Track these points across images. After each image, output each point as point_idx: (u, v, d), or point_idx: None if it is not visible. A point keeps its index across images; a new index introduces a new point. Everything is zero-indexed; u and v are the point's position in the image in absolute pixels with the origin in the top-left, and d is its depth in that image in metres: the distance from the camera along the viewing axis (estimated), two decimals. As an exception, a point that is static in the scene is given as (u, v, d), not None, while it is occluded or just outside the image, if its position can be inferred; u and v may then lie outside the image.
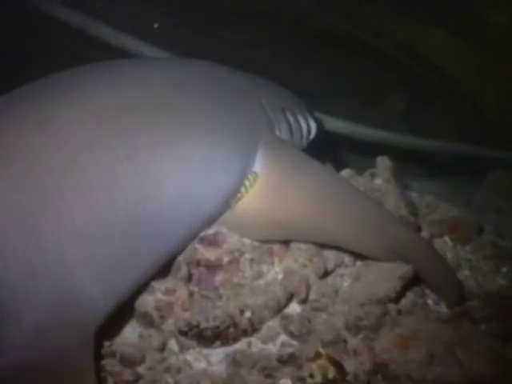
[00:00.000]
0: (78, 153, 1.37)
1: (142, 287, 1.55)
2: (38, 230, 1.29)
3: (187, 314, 1.55)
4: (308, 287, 1.62)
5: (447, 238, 2.00)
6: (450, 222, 2.01)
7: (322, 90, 2.76)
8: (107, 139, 1.42)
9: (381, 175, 1.91)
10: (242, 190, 1.69)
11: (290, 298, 1.60)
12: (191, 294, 1.59)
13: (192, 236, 1.62)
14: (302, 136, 2.00)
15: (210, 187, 1.60)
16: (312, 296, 1.63)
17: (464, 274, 1.91)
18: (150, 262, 1.52)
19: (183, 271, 1.61)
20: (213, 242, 1.64)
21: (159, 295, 1.56)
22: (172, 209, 1.51)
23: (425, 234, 1.93)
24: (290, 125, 1.93)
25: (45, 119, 1.41)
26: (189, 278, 1.62)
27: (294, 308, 1.61)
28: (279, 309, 1.58)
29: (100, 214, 1.36)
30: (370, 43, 2.73)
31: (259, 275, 1.65)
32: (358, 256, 1.73)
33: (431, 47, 2.68)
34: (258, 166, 1.73)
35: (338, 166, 2.05)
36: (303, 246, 1.69)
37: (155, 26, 2.58)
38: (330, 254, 1.73)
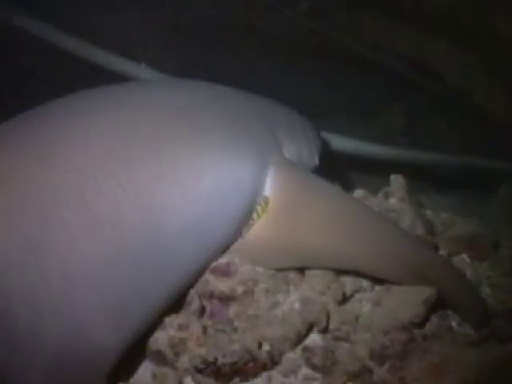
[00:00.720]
0: (82, 186, 1.29)
1: (155, 323, 1.47)
2: (44, 272, 1.22)
3: (202, 350, 1.46)
4: (328, 316, 1.54)
5: (465, 256, 1.92)
6: (467, 239, 1.93)
7: (320, 106, 2.69)
8: (112, 170, 1.35)
9: (395, 194, 1.83)
10: (254, 216, 1.60)
11: (309, 328, 1.51)
12: (205, 329, 1.50)
13: (204, 267, 1.53)
14: (309, 156, 1.92)
15: (221, 215, 1.52)
16: (332, 324, 1.55)
17: (485, 291, 1.83)
18: (162, 297, 1.44)
19: (195, 304, 1.53)
20: (225, 272, 1.56)
21: (172, 331, 1.48)
22: (182, 240, 1.43)
23: (442, 252, 1.86)
24: (297, 145, 1.85)
25: (46, 150, 1.35)
26: (201, 312, 1.53)
27: (314, 338, 1.53)
28: (299, 340, 1.50)
29: (108, 250, 1.29)
30: (370, 57, 2.67)
31: (275, 305, 1.56)
32: (376, 280, 1.65)
33: (433, 58, 2.63)
34: (268, 190, 1.65)
35: (348, 185, 1.97)
36: (320, 273, 1.61)
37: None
38: (347, 279, 1.65)
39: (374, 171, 2.48)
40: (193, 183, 1.46)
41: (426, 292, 1.56)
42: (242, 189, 1.59)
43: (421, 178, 2.74)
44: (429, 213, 1.96)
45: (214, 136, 1.56)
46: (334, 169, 2.00)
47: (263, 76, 2.68)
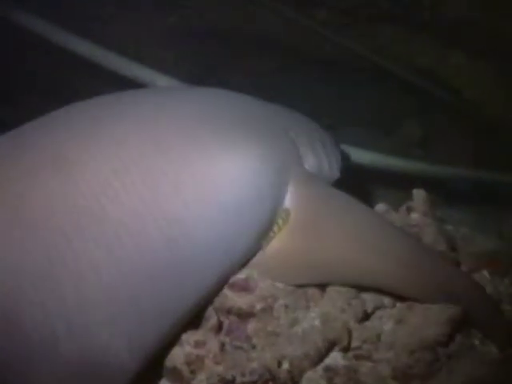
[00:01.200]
0: (100, 198, 1.24)
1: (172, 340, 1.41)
2: (58, 289, 1.17)
3: (220, 368, 1.41)
4: (350, 334, 1.48)
5: (485, 272, 1.86)
6: (487, 255, 1.88)
7: (334, 118, 2.65)
8: (131, 180, 1.29)
9: (417, 209, 1.79)
10: (275, 228, 1.55)
11: (330, 347, 1.46)
12: (222, 345, 1.45)
13: (223, 282, 1.48)
14: (329, 169, 1.87)
15: (241, 228, 1.48)
16: (354, 343, 1.50)
17: (506, 308, 1.77)
18: (180, 312, 1.39)
19: (213, 321, 1.49)
20: (244, 287, 1.51)
21: (188, 348, 1.43)
22: (203, 253, 1.39)
23: (463, 268, 1.80)
24: (318, 158, 1.80)
25: (60, 160, 1.30)
26: (219, 328, 1.48)
27: (336, 357, 1.47)
28: (320, 358, 1.45)
29: (126, 264, 1.24)
30: (387, 68, 2.63)
31: (295, 322, 1.52)
32: (397, 297, 1.60)
33: (450, 71, 2.59)
34: (289, 202, 1.60)
35: (367, 199, 1.92)
36: (341, 289, 1.56)
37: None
38: (367, 296, 1.60)
39: (391, 185, 2.44)
40: (214, 195, 1.41)
41: (451, 310, 1.51)
42: (263, 200, 1.54)
43: (433, 191, 2.69)
44: (449, 228, 1.90)
45: (235, 146, 1.51)
46: (354, 182, 1.95)
47: (275, 85, 2.63)
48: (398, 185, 2.37)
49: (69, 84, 2.45)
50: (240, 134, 1.56)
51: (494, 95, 2.69)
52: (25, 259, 1.18)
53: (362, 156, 2.50)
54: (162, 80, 2.42)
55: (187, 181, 1.38)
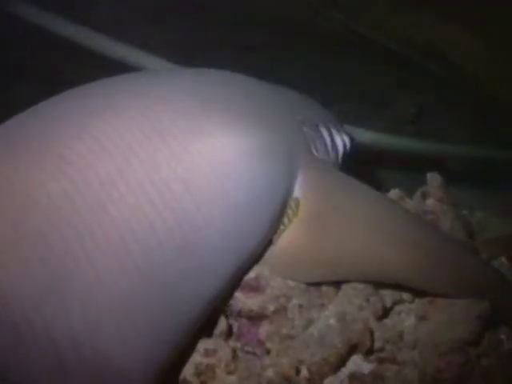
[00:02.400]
0: (104, 199, 1.09)
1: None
2: (63, 308, 1.02)
3: (233, 379, 1.28)
4: (372, 335, 1.35)
5: (503, 259, 1.75)
6: (504, 240, 1.77)
7: (326, 94, 2.51)
8: (137, 178, 1.14)
9: (433, 194, 1.66)
10: (285, 220, 1.41)
11: (351, 350, 1.33)
12: (234, 352, 1.31)
13: (235, 282, 1.36)
14: (337, 154, 1.73)
15: (254, 222, 1.35)
16: (375, 344, 1.37)
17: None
18: (194, 320, 1.26)
19: (222, 325, 1.35)
20: (254, 287, 1.38)
21: (198, 357, 1.29)
22: (214, 255, 1.25)
23: (482, 256, 1.68)
24: (325, 142, 1.66)
25: (55, 160, 1.14)
26: (229, 333, 1.35)
27: (358, 361, 1.35)
28: (342, 362, 1.32)
29: (135, 273, 1.09)
30: (380, 42, 2.50)
31: (310, 323, 1.38)
32: (416, 291, 1.47)
33: (450, 45, 2.47)
34: (299, 192, 1.46)
35: (374, 183, 1.78)
36: (358, 285, 1.44)
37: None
38: (385, 292, 1.48)
39: (395, 165, 2.32)
40: (224, 190, 1.27)
41: (479, 305, 1.39)
42: (274, 192, 1.40)
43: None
44: (465, 213, 1.78)
45: (244, 136, 1.36)
46: (357, 165, 1.81)
47: (264, 60, 2.49)
48: (402, 165, 2.25)
49: (56, 69, 2.29)
50: (247, 119, 1.41)
51: (493, 69, 2.57)
52: (25, 275, 1.03)
53: (362, 135, 2.35)
54: (149, 60, 2.25)
55: (196, 176, 1.23)
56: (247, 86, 1.58)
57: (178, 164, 1.23)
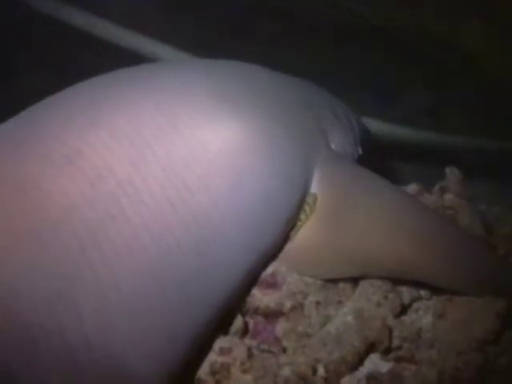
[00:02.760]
0: (118, 196, 1.06)
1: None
2: (76, 310, 1.01)
3: (248, 378, 1.26)
4: (390, 333, 1.33)
5: (521, 254, 1.72)
6: (522, 235, 1.73)
7: (339, 84, 2.48)
8: (153, 173, 1.12)
9: (452, 189, 1.63)
10: (302, 216, 1.39)
11: (369, 348, 1.31)
12: (249, 350, 1.29)
13: (252, 280, 1.34)
14: (354, 147, 1.70)
15: (272, 217, 1.33)
16: (393, 342, 1.35)
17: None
18: (210, 320, 1.24)
19: (238, 323, 1.33)
20: (271, 284, 1.36)
21: (213, 356, 1.27)
22: (231, 252, 1.22)
23: (499, 252, 1.65)
24: (342, 135, 1.63)
25: (68, 156, 1.12)
26: (245, 331, 1.33)
27: (376, 360, 1.32)
28: (360, 361, 1.30)
29: (150, 272, 1.07)
30: (394, 33, 2.46)
31: (327, 320, 1.36)
32: (434, 288, 1.45)
33: (463, 36, 2.42)
34: (316, 187, 1.43)
35: (392, 177, 1.76)
36: (375, 282, 1.41)
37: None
38: (403, 288, 1.46)
39: (410, 158, 2.28)
40: (242, 186, 1.24)
41: (498, 303, 1.37)
42: (292, 185, 1.38)
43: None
44: (482, 208, 1.75)
45: (260, 129, 1.33)
46: (373, 158, 1.79)
47: (277, 50, 2.46)
48: (417, 158, 2.21)
49: (70, 59, 2.26)
50: (265, 118, 1.38)
51: (509, 60, 2.53)
52: (37, 276, 1.01)
53: (379, 127, 2.32)
54: (162, 50, 2.22)
55: (212, 173, 1.20)
56: (263, 78, 1.56)
57: (194, 159, 1.20)
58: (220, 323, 1.30)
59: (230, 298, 1.28)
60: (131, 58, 2.03)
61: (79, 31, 2.21)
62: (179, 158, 1.18)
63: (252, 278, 1.34)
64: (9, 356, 0.99)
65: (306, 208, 1.41)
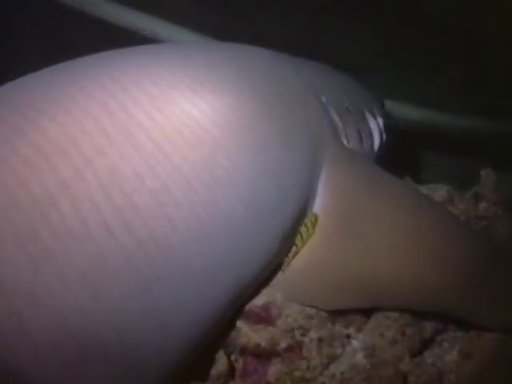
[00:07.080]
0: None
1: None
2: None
3: (232, 434, 1.04)
4: (405, 381, 1.09)
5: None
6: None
7: (361, 63, 2.23)
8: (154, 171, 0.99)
9: (487, 197, 1.38)
10: (297, 241, 1.17)
11: (381, 401, 1.08)
12: (234, 395, 1.07)
13: (236, 310, 1.12)
14: (372, 142, 1.45)
15: (256, 236, 1.10)
16: (410, 387, 1.12)
17: None
18: (180, 359, 1.04)
19: (221, 364, 1.11)
20: (263, 317, 1.14)
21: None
22: (204, 274, 1.02)
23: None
24: (358, 128, 1.39)
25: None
26: (230, 374, 1.10)
27: (388, 415, 1.09)
28: (368, 416, 1.07)
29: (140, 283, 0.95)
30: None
31: (331, 360, 1.14)
32: (460, 321, 1.22)
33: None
34: (320, 199, 1.19)
35: (418, 175, 1.51)
36: (392, 314, 1.19)
37: None
38: (425, 322, 1.23)
39: (440, 152, 2.03)
40: (224, 196, 1.03)
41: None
42: (285, 192, 1.15)
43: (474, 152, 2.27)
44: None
45: (254, 124, 1.12)
46: (396, 151, 1.54)
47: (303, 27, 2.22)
48: (450, 150, 1.95)
49: (71, 40, 2.08)
50: (261, 102, 1.17)
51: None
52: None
53: (405, 112, 2.04)
54: (179, 33, 2.00)
55: (178, 179, 1.00)
56: (261, 59, 1.32)
57: (181, 161, 1.03)
58: (196, 364, 1.07)
59: (207, 331, 1.06)
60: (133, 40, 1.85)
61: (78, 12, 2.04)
62: (176, 154, 1.03)
63: (236, 308, 1.12)
64: None
65: (303, 231, 1.17)
